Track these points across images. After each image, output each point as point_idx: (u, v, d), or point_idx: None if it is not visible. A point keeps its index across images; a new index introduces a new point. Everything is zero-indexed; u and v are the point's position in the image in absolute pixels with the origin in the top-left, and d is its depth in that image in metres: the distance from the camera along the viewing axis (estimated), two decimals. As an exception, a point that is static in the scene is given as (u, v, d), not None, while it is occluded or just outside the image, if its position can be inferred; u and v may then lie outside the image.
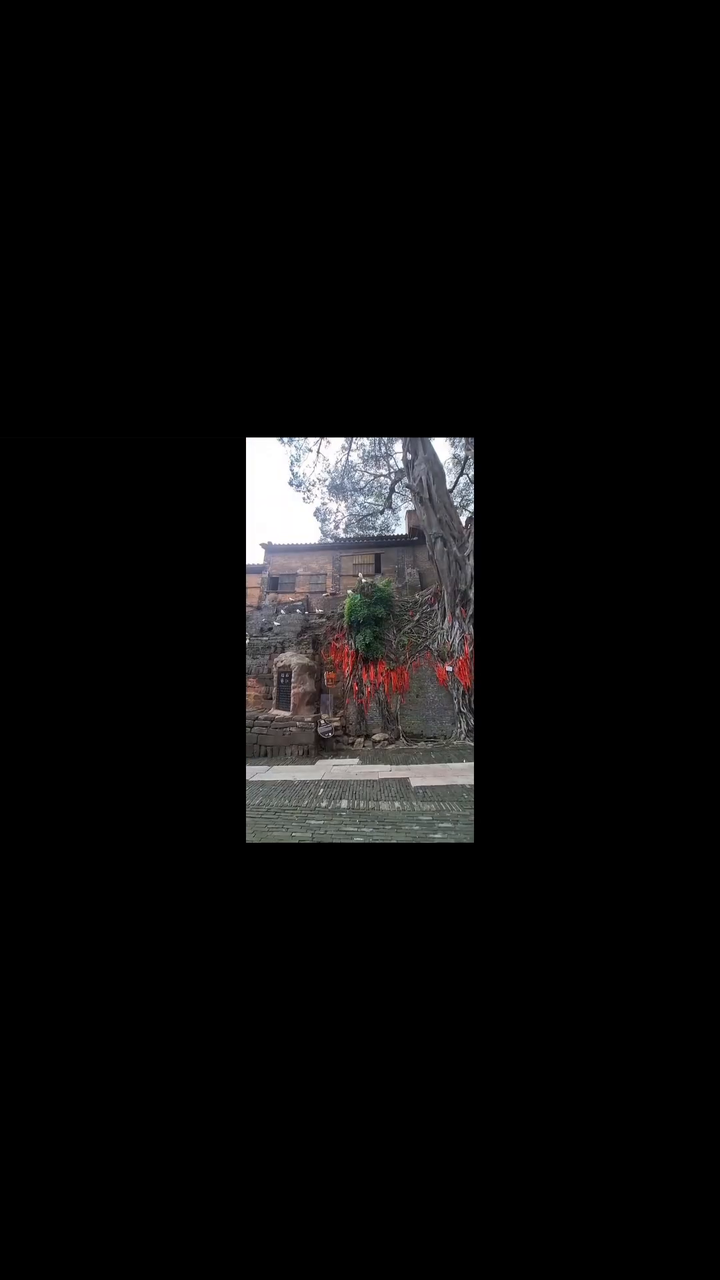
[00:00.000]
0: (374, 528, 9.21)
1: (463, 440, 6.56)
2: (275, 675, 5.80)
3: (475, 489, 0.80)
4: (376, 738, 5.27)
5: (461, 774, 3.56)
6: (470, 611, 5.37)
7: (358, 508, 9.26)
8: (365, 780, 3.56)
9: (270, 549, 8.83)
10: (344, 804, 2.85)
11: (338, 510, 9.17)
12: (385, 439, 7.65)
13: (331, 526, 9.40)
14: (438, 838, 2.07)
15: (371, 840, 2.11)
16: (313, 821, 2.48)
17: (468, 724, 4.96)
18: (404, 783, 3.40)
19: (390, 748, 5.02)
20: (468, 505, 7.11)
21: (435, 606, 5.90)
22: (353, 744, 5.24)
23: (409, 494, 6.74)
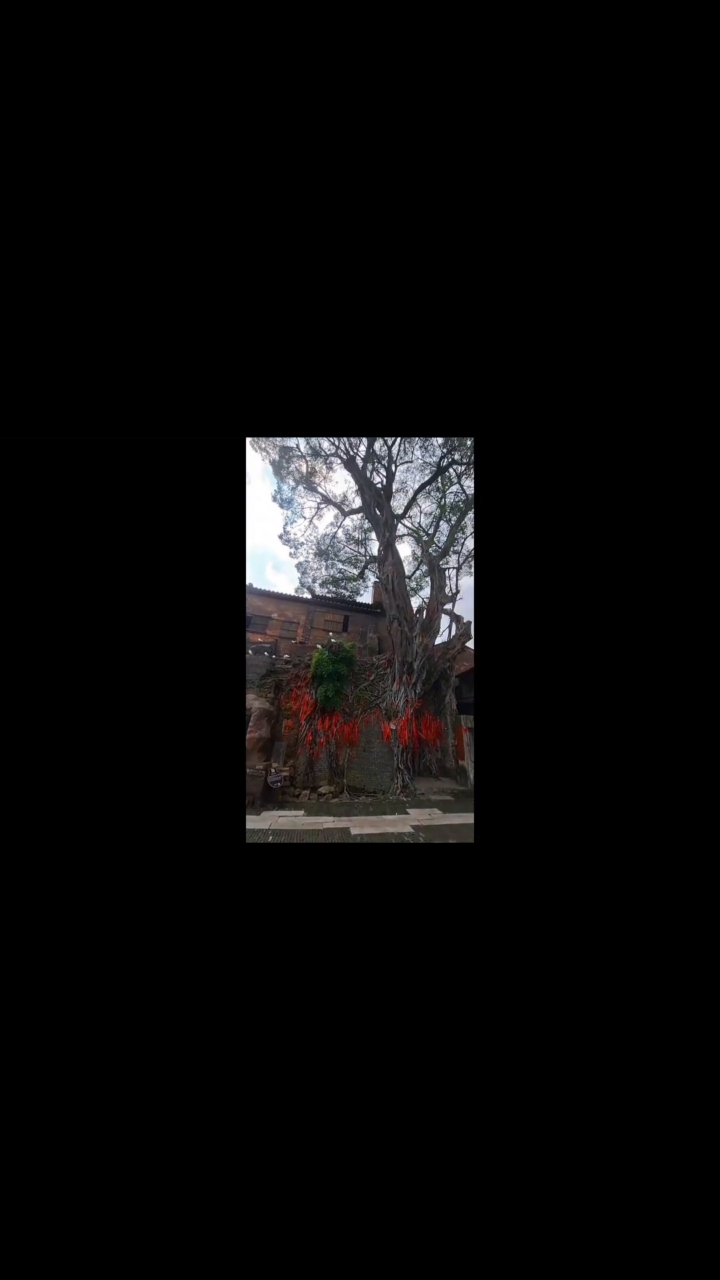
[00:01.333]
0: (347, 590, 10.76)
1: (423, 547, 8.85)
2: (233, 715, 5.77)
3: (475, 489, 0.80)
4: (322, 790, 5.56)
5: (393, 825, 4.20)
6: (414, 679, 6.67)
7: (335, 571, 10.86)
8: (312, 829, 3.92)
9: (250, 591, 9.39)
10: (292, 850, 3.18)
11: (318, 568, 10.59)
12: (366, 527, 9.68)
13: (310, 580, 10.66)
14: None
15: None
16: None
17: (402, 780, 5.74)
18: (345, 831, 3.86)
19: (334, 800, 5.31)
20: (419, 590, 9.24)
21: (388, 670, 7.09)
22: (298, 796, 5.39)
23: (378, 577, 8.53)
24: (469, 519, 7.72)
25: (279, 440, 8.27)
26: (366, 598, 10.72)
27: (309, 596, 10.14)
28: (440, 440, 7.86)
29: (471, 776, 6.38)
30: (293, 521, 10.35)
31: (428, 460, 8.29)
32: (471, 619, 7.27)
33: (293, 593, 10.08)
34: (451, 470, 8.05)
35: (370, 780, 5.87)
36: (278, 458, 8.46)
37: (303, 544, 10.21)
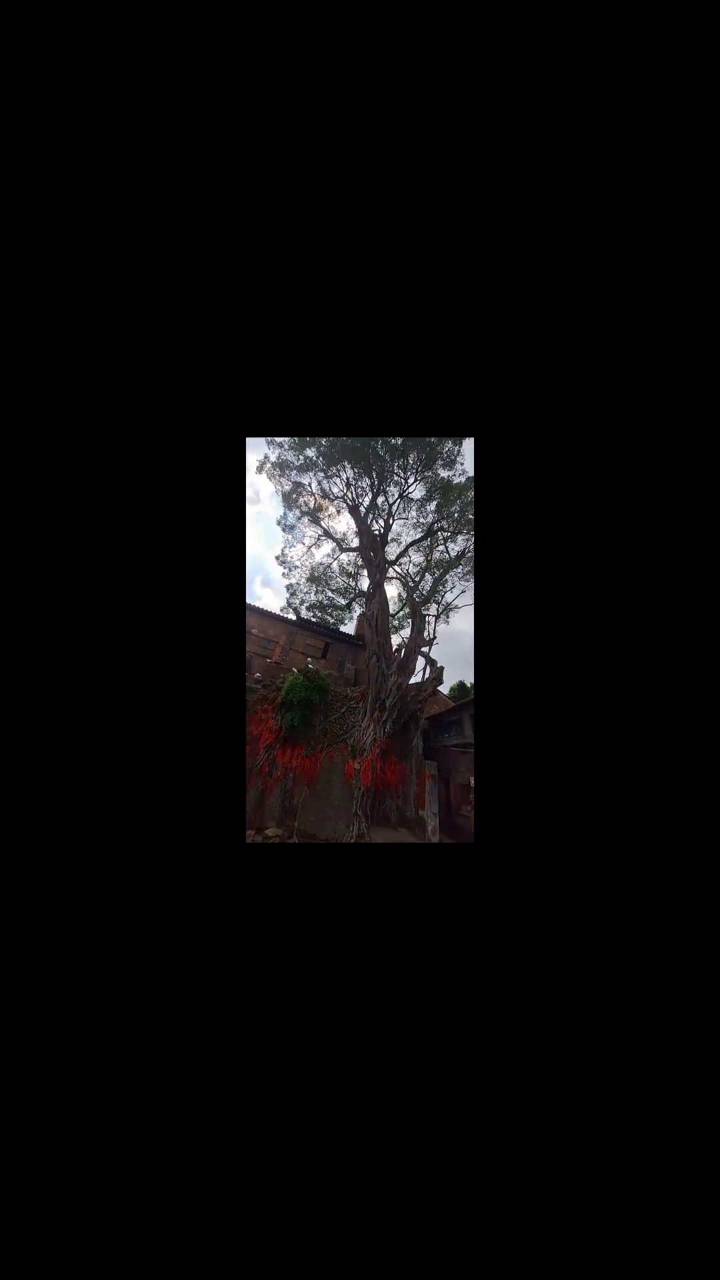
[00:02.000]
0: (332, 618, 10.92)
1: (408, 591, 9.52)
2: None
3: (475, 489, 0.82)
4: (269, 832, 5.00)
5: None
6: (385, 717, 6.59)
7: (324, 598, 11.11)
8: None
9: (233, 602, 9.04)
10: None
11: (308, 591, 10.78)
12: (359, 563, 10.26)
13: (298, 602, 10.74)
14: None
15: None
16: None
17: (359, 828, 5.31)
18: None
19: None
20: (400, 629, 9.70)
21: (360, 705, 6.98)
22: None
23: (365, 611, 8.88)
24: (450, 576, 8.55)
25: (294, 475, 8.91)
26: (350, 628, 10.89)
27: (293, 618, 10.09)
28: (434, 505, 8.97)
29: (430, 828, 6.10)
30: (292, 545, 10.69)
31: (421, 520, 9.30)
32: (444, 665, 7.63)
33: (278, 611, 9.97)
34: (439, 533, 9.06)
35: (324, 826, 5.38)
36: (289, 489, 9.00)
37: (297, 567, 10.44)
